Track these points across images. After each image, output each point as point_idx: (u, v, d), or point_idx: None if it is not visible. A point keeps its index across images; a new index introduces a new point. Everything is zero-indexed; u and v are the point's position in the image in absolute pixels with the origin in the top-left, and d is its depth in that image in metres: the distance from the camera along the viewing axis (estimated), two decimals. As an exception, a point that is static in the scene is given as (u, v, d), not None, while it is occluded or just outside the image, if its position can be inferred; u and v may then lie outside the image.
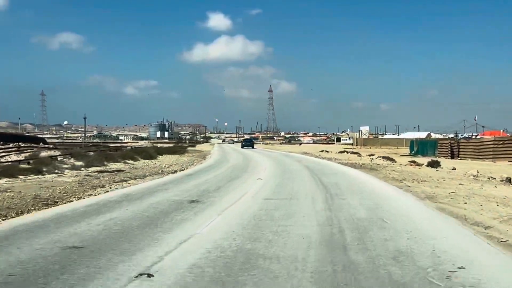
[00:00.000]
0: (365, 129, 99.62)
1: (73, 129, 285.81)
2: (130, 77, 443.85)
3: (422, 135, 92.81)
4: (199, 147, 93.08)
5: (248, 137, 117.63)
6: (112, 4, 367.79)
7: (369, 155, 41.34)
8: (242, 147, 71.12)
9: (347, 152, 46.81)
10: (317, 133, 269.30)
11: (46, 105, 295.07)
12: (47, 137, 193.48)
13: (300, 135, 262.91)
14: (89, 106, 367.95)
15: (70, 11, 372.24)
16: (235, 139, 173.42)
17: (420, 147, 54.81)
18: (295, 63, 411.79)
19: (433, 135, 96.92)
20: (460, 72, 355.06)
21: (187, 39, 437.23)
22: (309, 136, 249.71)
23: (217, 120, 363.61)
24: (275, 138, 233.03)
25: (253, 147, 72.52)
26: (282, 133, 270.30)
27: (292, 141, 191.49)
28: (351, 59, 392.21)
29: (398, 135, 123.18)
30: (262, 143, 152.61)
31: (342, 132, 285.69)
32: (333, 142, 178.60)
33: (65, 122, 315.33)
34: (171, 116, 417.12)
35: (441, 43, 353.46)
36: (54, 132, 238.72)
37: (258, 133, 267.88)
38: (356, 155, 42.45)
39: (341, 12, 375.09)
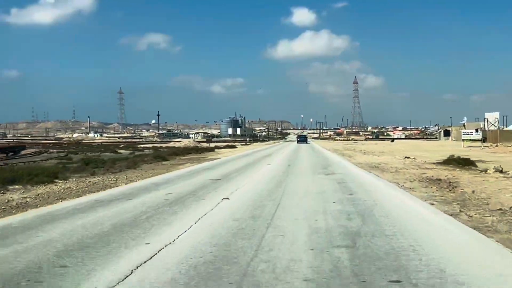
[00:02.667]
0: (493, 116, 60.94)
1: (161, 127, 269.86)
2: (217, 75, 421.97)
3: None
4: (250, 146, 62.07)
5: (302, 134, 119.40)
6: (197, 2, 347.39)
7: None
8: (297, 143, 72.11)
9: None
10: (407, 127, 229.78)
11: (124, 104, 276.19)
12: (122, 136, 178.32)
13: (389, 129, 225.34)
14: (177, 105, 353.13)
15: (156, 10, 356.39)
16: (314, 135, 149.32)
17: None
18: (383, 57, 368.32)
19: None
20: None
21: (272, 35, 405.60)
22: (398, 130, 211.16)
23: (302, 116, 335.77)
24: (361, 133, 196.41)
25: (306, 142, 73.39)
26: (369, 128, 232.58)
27: (380, 136, 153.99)
28: (440, 50, 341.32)
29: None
30: (343, 139, 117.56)
31: (435, 125, 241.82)
32: (432, 137, 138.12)
33: (153, 121, 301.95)
34: (257, 113, 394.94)
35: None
36: (132, 131, 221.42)
37: (343, 129, 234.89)
38: None
39: (429, 3, 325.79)
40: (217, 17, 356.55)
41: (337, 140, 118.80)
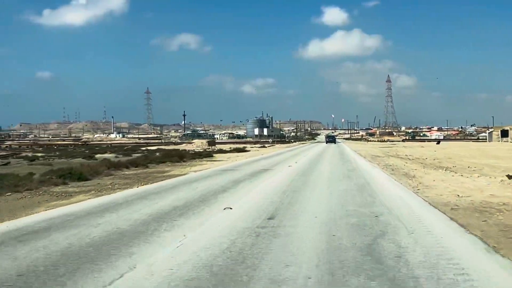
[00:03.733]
0: None
1: (191, 128, 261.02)
2: (248, 75, 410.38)
3: None
4: (269, 149, 49.58)
5: (331, 134, 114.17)
6: (228, 2, 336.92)
7: None
8: (326, 143, 70.80)
9: None
10: (443, 127, 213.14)
11: (151, 104, 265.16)
12: (148, 136, 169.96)
13: (423, 129, 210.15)
14: (208, 105, 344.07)
15: (187, 11, 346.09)
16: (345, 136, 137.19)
17: None
18: (415, 56, 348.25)
19: None
20: None
21: (303, 35, 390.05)
22: (434, 130, 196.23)
23: (333, 116, 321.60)
24: (394, 133, 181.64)
25: (335, 143, 72.09)
26: (403, 128, 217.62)
27: (416, 137, 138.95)
28: (474, 49, 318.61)
29: None
30: (377, 140, 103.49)
31: (471, 125, 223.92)
32: (473, 138, 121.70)
33: (183, 122, 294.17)
34: (288, 113, 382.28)
35: None
36: (158, 132, 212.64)
37: (376, 129, 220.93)
38: None
39: (463, 1, 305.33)
40: (248, 17, 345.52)
41: (370, 141, 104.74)
